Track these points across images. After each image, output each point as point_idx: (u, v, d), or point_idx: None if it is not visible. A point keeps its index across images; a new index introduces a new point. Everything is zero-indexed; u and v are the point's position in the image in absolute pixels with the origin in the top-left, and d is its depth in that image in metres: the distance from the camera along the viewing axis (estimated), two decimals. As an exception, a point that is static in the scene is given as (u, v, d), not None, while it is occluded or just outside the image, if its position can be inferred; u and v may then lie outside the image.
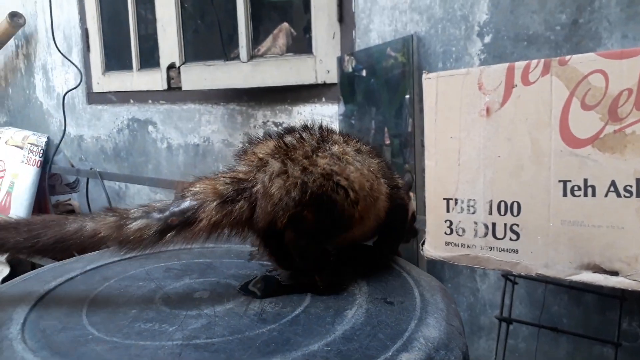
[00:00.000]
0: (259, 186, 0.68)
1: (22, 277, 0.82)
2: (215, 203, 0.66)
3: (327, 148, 0.74)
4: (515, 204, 1.14)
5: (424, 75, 1.29)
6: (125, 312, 0.67)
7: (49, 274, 0.81)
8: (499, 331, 1.59)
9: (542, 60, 1.09)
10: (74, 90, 2.91)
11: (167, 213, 0.65)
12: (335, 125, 2.18)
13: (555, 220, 1.08)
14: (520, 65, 1.13)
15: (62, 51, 2.83)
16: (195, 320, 0.64)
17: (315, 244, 0.71)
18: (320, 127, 0.83)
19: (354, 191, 0.71)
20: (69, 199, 3.54)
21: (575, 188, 1.06)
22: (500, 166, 1.16)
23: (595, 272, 1.03)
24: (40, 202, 3.02)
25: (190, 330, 0.62)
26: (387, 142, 2.05)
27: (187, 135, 2.73)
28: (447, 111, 1.23)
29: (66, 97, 2.85)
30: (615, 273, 1.00)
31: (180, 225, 0.65)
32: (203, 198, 0.66)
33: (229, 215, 0.66)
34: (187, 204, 0.66)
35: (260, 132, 2.47)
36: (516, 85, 1.14)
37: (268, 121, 2.42)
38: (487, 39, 1.74)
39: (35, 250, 0.64)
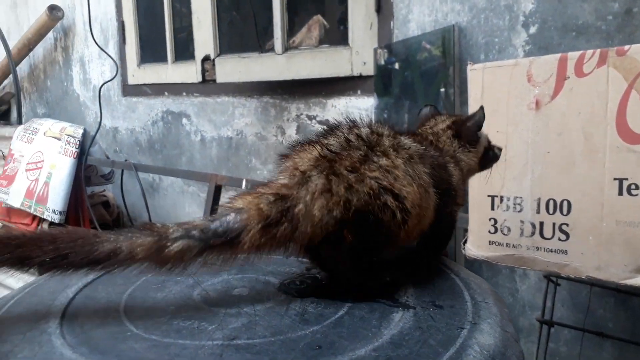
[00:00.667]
0: (300, 206, 0.63)
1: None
2: (259, 226, 0.62)
3: (376, 160, 0.68)
4: (565, 203, 1.08)
5: (469, 66, 1.24)
6: (164, 309, 0.65)
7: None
8: (539, 334, 1.52)
9: (598, 50, 1.03)
10: (109, 82, 2.94)
11: (209, 234, 0.62)
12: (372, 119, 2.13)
13: (610, 220, 1.02)
14: (573, 55, 1.06)
15: (99, 44, 2.86)
16: (235, 319, 0.62)
17: (352, 260, 0.66)
18: (370, 127, 0.76)
19: (402, 211, 0.66)
20: (104, 190, 3.60)
21: (632, 186, 0.99)
22: (550, 162, 1.10)
23: (652, 276, 0.97)
24: (77, 192, 3.07)
25: (231, 329, 0.59)
26: None
27: (221, 128, 2.73)
28: (493, 104, 1.18)
29: (102, 89, 2.88)
30: (675, 278, 0.94)
31: (222, 246, 0.62)
32: (246, 220, 0.62)
33: (272, 238, 0.62)
34: (230, 224, 0.62)
35: (293, 126, 2.45)
36: (569, 77, 1.07)
37: (302, 114, 2.39)
38: (532, 30, 1.66)
39: (63, 269, 0.60)
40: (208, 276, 0.76)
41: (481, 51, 1.80)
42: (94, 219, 3.15)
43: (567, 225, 1.08)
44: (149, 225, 0.62)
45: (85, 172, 3.08)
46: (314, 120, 2.36)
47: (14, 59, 3.42)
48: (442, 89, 1.84)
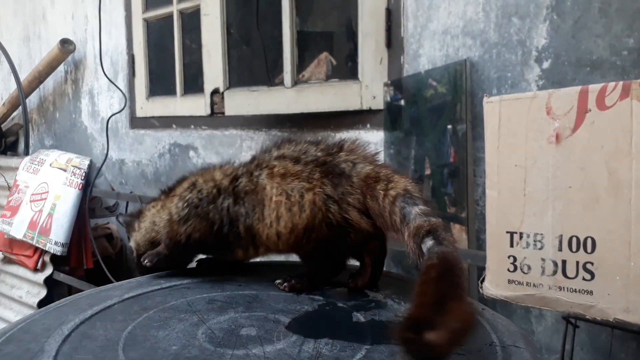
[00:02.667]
0: None
1: (57, 304, 0.76)
2: None
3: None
4: (589, 240, 1.03)
5: (485, 99, 1.21)
6: (166, 349, 0.60)
7: (85, 301, 0.75)
8: (560, 380, 1.44)
9: (621, 82, 1.00)
10: (117, 114, 2.94)
11: None
12: (381, 154, 2.11)
13: (638, 260, 0.96)
14: (594, 88, 1.03)
15: (108, 76, 2.87)
16: (243, 363, 0.57)
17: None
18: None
19: None
20: (107, 223, 3.56)
21: (662, 224, 0.94)
22: (573, 198, 1.05)
23: (687, 319, 0.90)
24: (80, 224, 3.02)
25: (239, 374, 0.54)
26: (428, 172, 1.96)
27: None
28: (511, 137, 1.14)
29: (110, 121, 2.88)
30: None
31: None
32: None
33: None
34: None
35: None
36: (590, 110, 1.04)
37: (310, 148, 2.36)
38: (545, 65, 1.64)
39: None
40: (214, 313, 0.71)
41: (493, 86, 1.78)
42: (97, 252, 3.10)
43: (592, 264, 1.02)
44: None
45: (90, 204, 3.05)
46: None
47: (24, 91, 3.45)
48: (450, 126, 1.82)
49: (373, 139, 2.12)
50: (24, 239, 3.05)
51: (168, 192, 1.00)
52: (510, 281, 1.14)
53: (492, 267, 1.18)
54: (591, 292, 1.02)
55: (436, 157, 1.93)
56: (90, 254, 3.13)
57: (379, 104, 2.03)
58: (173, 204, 0.94)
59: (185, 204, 0.89)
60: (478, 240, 1.88)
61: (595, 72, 1.55)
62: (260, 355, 0.58)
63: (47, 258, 3.05)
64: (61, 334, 0.64)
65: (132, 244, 1.00)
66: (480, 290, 1.21)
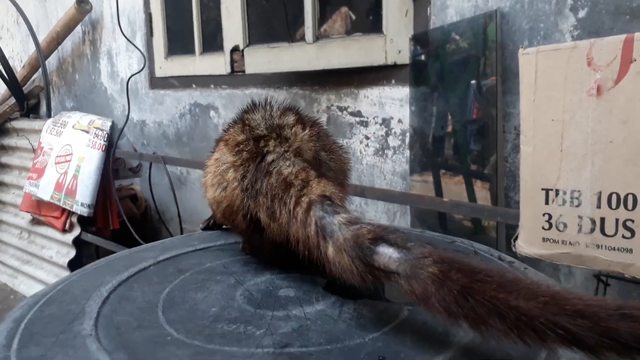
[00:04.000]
0: None
1: (93, 265, 0.77)
2: None
3: None
4: (630, 197, 0.99)
5: (521, 50, 1.15)
6: (205, 310, 0.60)
7: (119, 263, 0.75)
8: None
9: (671, 29, 0.94)
10: (136, 75, 2.91)
11: None
12: (405, 110, 2.06)
13: (682, 217, 0.93)
14: (640, 36, 0.97)
15: (126, 36, 2.83)
16: (285, 323, 0.56)
17: None
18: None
19: None
20: (132, 184, 3.60)
21: None
22: (613, 153, 1.01)
23: None
24: (105, 186, 3.06)
25: (281, 335, 0.53)
26: (450, 129, 1.91)
27: (249, 120, 2.67)
28: (548, 90, 1.09)
29: (129, 82, 2.86)
30: None
31: None
32: None
33: None
34: None
35: (323, 117, 2.38)
36: (635, 60, 0.98)
37: (332, 105, 2.32)
38: (581, 14, 1.56)
39: None
40: (250, 275, 0.70)
41: (525, 37, 1.70)
42: (122, 213, 3.14)
43: (633, 221, 0.99)
44: None
45: (113, 165, 3.07)
46: (345, 112, 2.29)
47: (43, 53, 3.43)
48: (475, 80, 1.76)
49: (398, 95, 2.07)
50: (51, 201, 3.10)
51: None
52: (545, 239, 1.12)
53: (526, 225, 1.16)
54: (631, 250, 0.99)
55: (460, 114, 1.88)
56: (115, 215, 3.18)
57: (404, 58, 1.96)
58: None
59: None
60: (506, 198, 1.85)
61: (635, 20, 1.47)
62: (300, 317, 0.57)
63: (74, 219, 3.11)
64: (100, 295, 0.64)
65: None
66: (513, 248, 1.19)
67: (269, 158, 0.71)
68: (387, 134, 2.24)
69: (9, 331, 0.56)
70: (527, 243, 1.14)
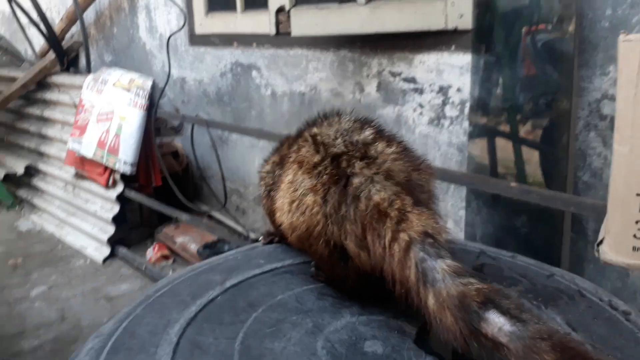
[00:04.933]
0: None
1: (156, 290, 0.71)
2: None
3: None
4: None
5: (622, 37, 1.00)
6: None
7: (184, 290, 0.70)
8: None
9: None
10: (177, 32, 2.81)
11: None
12: (466, 79, 1.91)
13: None
14: None
15: (165, -10, 2.71)
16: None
17: None
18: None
19: None
20: (173, 140, 3.58)
21: None
22: None
23: None
24: (146, 144, 3.04)
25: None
26: (517, 101, 1.77)
27: (293, 82, 2.56)
28: (650, 84, 0.95)
29: (169, 39, 2.76)
30: None
31: None
32: None
33: None
34: None
35: (373, 83, 2.25)
36: None
37: (384, 70, 2.19)
38: (679, -22, 1.37)
39: None
40: (327, 316, 0.64)
41: (608, 5, 1.52)
42: (165, 169, 3.13)
43: None
44: None
45: (155, 124, 3.04)
46: (397, 77, 2.16)
47: (81, 6, 3.34)
48: (548, 51, 1.60)
49: (458, 62, 1.92)
50: (94, 158, 3.11)
51: None
52: (635, 248, 1.01)
53: (614, 231, 1.05)
54: None
55: (528, 85, 1.74)
56: (158, 172, 3.18)
57: (466, 23, 1.80)
58: None
59: None
60: (575, 179, 1.73)
61: None
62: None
63: (117, 176, 3.12)
64: (170, 341, 0.58)
65: None
66: (597, 254, 1.09)
67: (356, 181, 0.64)
68: (444, 103, 2.11)
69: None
70: (614, 251, 1.04)
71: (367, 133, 0.70)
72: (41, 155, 3.76)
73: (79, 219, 3.35)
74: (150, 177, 3.17)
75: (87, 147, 3.15)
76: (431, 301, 0.54)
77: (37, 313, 2.54)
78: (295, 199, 0.67)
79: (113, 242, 3.13)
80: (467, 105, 2.02)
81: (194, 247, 3.06)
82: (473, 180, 1.60)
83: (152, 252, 3.10)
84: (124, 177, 3.09)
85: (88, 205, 3.30)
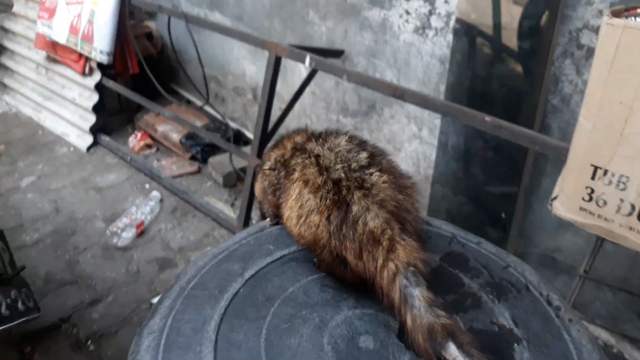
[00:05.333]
0: None
1: (187, 279, 0.86)
2: None
3: None
4: (675, 195, 1.04)
5: (606, 19, 1.05)
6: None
7: (211, 281, 0.85)
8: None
9: None
10: None
11: None
12: None
13: None
14: None
15: None
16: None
17: None
18: None
19: None
20: (145, 21, 3.44)
21: None
22: (673, 151, 1.02)
23: None
24: (121, 31, 2.93)
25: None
26: (502, 20, 1.81)
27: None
28: (624, 72, 1.04)
29: None
30: None
31: None
32: None
33: None
34: None
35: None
36: None
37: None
38: None
39: None
40: (330, 310, 0.80)
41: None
42: (139, 52, 3.07)
43: (672, 217, 1.05)
44: None
45: (130, 8, 2.91)
46: None
47: None
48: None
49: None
50: (68, 45, 3.01)
51: None
52: (582, 209, 1.18)
53: (567, 190, 1.21)
54: (662, 241, 1.07)
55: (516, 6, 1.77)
56: (134, 58, 3.12)
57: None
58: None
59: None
60: (545, 102, 1.84)
61: None
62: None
63: (93, 64, 3.06)
64: (210, 339, 0.74)
65: None
66: (550, 207, 1.27)
67: (355, 208, 0.76)
68: (431, 13, 2.11)
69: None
70: (565, 208, 1.21)
71: (362, 156, 0.82)
72: (5, 31, 3.58)
73: (57, 105, 3.34)
74: (127, 64, 3.12)
75: (59, 33, 3.03)
76: (409, 322, 0.70)
77: (31, 205, 2.67)
78: (303, 214, 0.80)
79: (95, 130, 3.18)
80: (453, 18, 2.03)
81: (175, 136, 3.15)
82: (450, 111, 1.70)
83: (134, 141, 3.18)
84: (100, 65, 3.03)
85: (65, 91, 3.26)
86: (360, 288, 0.82)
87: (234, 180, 2.84)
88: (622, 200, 1.11)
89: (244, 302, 0.81)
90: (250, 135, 3.22)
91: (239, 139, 3.12)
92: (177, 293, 0.83)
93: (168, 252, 2.40)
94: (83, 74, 3.11)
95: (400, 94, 1.79)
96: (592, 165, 1.14)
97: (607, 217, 1.15)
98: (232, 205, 2.70)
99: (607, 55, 1.06)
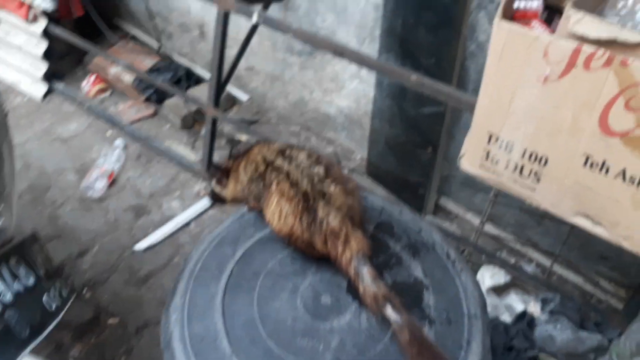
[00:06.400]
0: None
1: (194, 262, 1.18)
2: None
3: None
4: (544, 158, 1.41)
5: (497, 20, 1.33)
6: (287, 324, 1.07)
7: (212, 263, 1.17)
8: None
9: (608, 53, 1.18)
10: None
11: None
12: None
13: (570, 179, 1.37)
14: (586, 50, 1.21)
15: None
16: (332, 337, 1.05)
17: None
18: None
19: None
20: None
21: (594, 164, 1.31)
22: (542, 125, 1.37)
23: (586, 219, 1.40)
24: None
25: (333, 351, 1.03)
26: None
27: None
28: (510, 61, 1.35)
29: None
30: (599, 225, 1.38)
31: None
32: None
33: None
34: None
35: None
36: (576, 67, 1.24)
37: None
38: None
39: None
40: (299, 277, 1.14)
41: None
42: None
43: (541, 173, 1.43)
44: None
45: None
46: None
47: None
48: None
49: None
50: (5, -7, 2.96)
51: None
52: (481, 166, 1.54)
53: (470, 150, 1.55)
54: (534, 190, 1.46)
55: None
56: (77, 1, 3.11)
57: None
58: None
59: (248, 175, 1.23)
60: (464, 47, 2.12)
61: None
62: (340, 330, 1.06)
63: (37, 11, 3.03)
64: (218, 310, 1.08)
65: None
66: (458, 162, 1.61)
67: (320, 213, 1.10)
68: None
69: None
70: (469, 164, 1.57)
71: (320, 171, 1.13)
72: None
73: (3, 52, 3.31)
74: (70, 8, 3.11)
75: (-8, -20, 2.95)
76: (361, 289, 1.05)
77: (1, 161, 2.82)
78: (281, 217, 1.12)
79: (48, 77, 3.23)
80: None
81: (128, 78, 3.25)
82: (383, 69, 1.97)
83: (88, 86, 3.27)
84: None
85: (10, 37, 3.23)
86: (319, 259, 1.17)
87: (191, 122, 3.05)
88: (508, 160, 1.47)
89: (238, 279, 1.15)
90: (200, 72, 3.36)
91: (190, 77, 3.26)
92: (188, 275, 1.15)
93: (140, 199, 2.67)
94: (27, 20, 3.08)
95: (340, 52, 2.02)
96: (488, 132, 1.48)
97: (498, 172, 1.51)
98: (193, 148, 2.94)
99: (497, 49, 1.35)
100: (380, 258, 1.18)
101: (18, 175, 2.76)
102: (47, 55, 3.16)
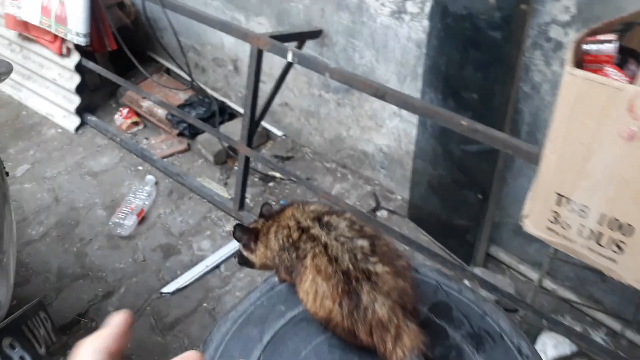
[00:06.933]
0: None
1: (214, 347, 1.01)
2: None
3: None
4: (627, 226, 1.19)
5: (568, 68, 1.14)
6: None
7: (234, 348, 1.01)
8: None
9: None
10: None
11: None
12: None
13: (662, 252, 1.16)
14: (685, 106, 1.01)
15: None
16: None
17: None
18: None
19: None
20: (120, -4, 3.34)
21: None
22: (626, 190, 1.16)
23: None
24: (94, 8, 2.87)
25: None
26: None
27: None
28: (583, 116, 1.16)
29: None
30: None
31: None
32: None
33: None
34: None
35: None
36: (672, 124, 1.04)
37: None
38: None
39: None
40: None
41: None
42: (112, 26, 3.02)
43: (624, 243, 1.21)
44: None
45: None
46: None
47: None
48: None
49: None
50: (41, 26, 2.95)
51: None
52: (549, 229, 1.34)
53: (535, 210, 1.36)
54: (615, 261, 1.24)
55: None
56: (110, 35, 3.08)
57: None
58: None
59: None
60: (517, 87, 1.94)
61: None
62: None
63: (70, 45, 3.01)
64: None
65: None
66: (520, 222, 1.41)
67: (364, 299, 0.90)
68: (406, -1, 2.13)
69: None
70: (533, 226, 1.36)
71: (365, 245, 0.94)
72: (-30, 7, 3.44)
73: (37, 84, 3.31)
74: (104, 42, 3.07)
75: (29, 14, 2.95)
76: None
77: (31, 196, 2.75)
78: (317, 298, 0.92)
79: (80, 110, 3.19)
80: (428, 5, 2.06)
81: (161, 111, 3.18)
82: (429, 113, 1.79)
83: (121, 119, 3.21)
84: (77, 45, 2.98)
85: (44, 71, 3.22)
86: (363, 348, 0.98)
87: (224, 158, 2.94)
88: (583, 226, 1.27)
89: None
90: (233, 106, 3.26)
91: (223, 112, 3.16)
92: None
93: (170, 238, 2.55)
94: (61, 54, 3.06)
95: (382, 95, 1.86)
96: (557, 192, 1.28)
97: (570, 238, 1.31)
98: (225, 184, 2.81)
99: (568, 100, 1.16)
100: (436, 350, 0.99)
101: (47, 210, 2.74)
102: (80, 88, 3.13)
